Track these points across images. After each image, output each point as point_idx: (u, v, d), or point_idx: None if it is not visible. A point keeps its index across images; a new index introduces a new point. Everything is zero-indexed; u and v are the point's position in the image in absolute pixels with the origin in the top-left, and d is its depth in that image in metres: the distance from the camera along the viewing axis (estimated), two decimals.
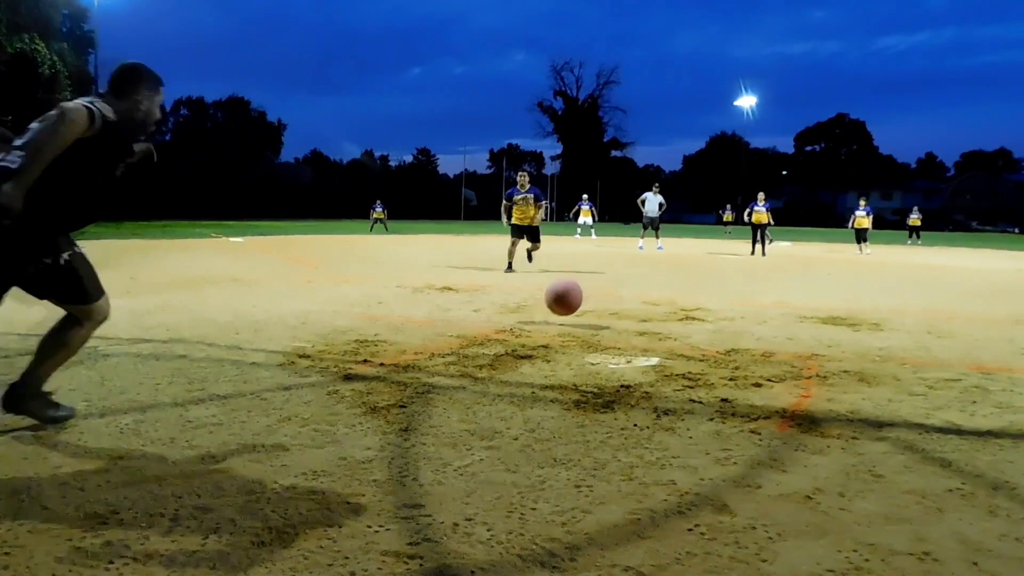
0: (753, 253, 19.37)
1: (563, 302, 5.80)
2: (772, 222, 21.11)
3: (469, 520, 2.27)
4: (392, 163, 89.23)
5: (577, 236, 28.88)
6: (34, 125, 2.73)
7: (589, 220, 29.15)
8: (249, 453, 2.85)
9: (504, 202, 12.15)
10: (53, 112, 2.73)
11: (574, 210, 29.91)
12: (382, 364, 4.49)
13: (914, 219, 31.35)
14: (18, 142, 2.72)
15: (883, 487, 2.65)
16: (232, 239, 21.93)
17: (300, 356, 4.67)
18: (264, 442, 2.98)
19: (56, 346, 3.08)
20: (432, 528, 2.21)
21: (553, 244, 22.18)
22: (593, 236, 29.07)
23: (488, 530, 2.20)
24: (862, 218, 22.49)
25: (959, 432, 3.37)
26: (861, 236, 22.26)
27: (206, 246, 18.18)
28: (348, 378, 4.10)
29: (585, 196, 30.33)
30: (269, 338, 5.30)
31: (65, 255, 2.95)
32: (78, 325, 3.09)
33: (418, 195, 72.82)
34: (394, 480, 2.60)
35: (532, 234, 12.00)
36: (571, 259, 16.33)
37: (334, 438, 3.06)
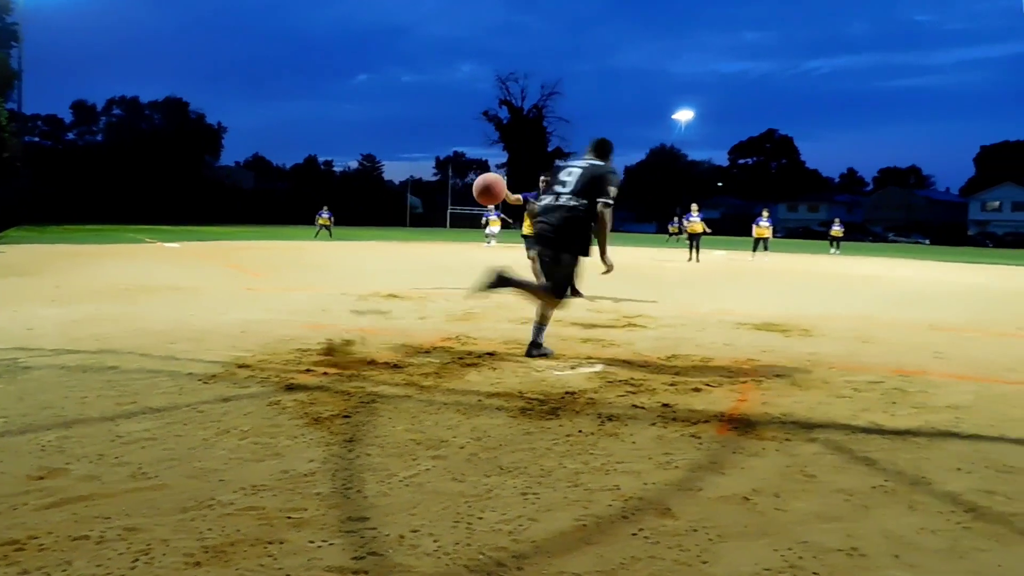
0: (690, 260, 19.99)
1: (489, 192, 6.22)
2: (709, 230, 21.88)
3: (415, 531, 2.26)
4: (337, 169, 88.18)
5: (486, 246, 26.52)
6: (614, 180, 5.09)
7: (495, 230, 27.64)
8: (184, 468, 2.78)
9: (528, 205, 8.85)
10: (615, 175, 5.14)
11: (484, 220, 28.39)
12: (325, 373, 4.43)
13: (836, 230, 32.36)
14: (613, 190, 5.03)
15: (815, 487, 2.76)
16: (168, 245, 21.30)
17: (240, 366, 4.58)
18: (201, 456, 2.91)
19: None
20: (377, 541, 2.20)
21: (499, 253, 22.27)
22: (493, 243, 27.24)
23: (435, 541, 2.20)
24: (764, 228, 23.66)
25: (882, 432, 3.52)
26: (761, 244, 23.57)
27: (140, 252, 17.61)
28: (290, 388, 4.04)
29: (491, 207, 27.71)
30: (207, 348, 5.18)
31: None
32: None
33: (363, 201, 72.11)
34: (338, 493, 2.58)
35: None
36: (516, 268, 16.35)
37: (275, 451, 3.01)
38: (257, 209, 60.66)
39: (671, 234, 42.90)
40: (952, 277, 17.41)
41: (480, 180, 6.23)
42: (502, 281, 5.22)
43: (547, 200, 5.20)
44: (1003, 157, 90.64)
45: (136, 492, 2.52)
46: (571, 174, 5.11)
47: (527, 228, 9.10)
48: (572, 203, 5.01)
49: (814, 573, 2.07)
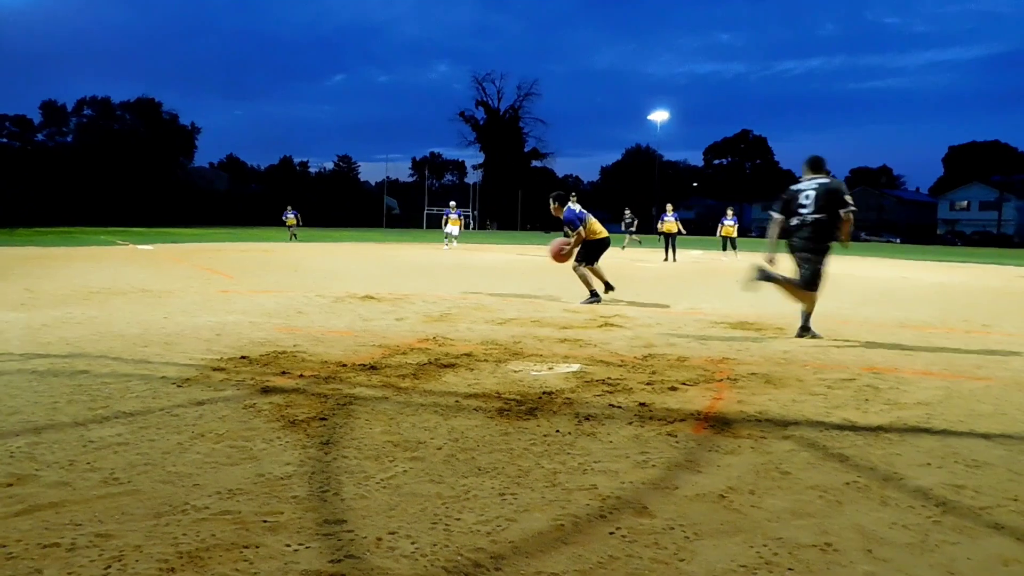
0: (666, 260, 20.11)
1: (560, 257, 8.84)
2: (683, 231, 21.96)
3: (393, 534, 2.26)
4: (312, 170, 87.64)
5: (445, 248, 24.83)
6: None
7: (455, 230, 25.41)
8: (158, 473, 2.75)
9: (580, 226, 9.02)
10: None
11: (444, 219, 26.03)
12: (301, 376, 4.41)
13: None
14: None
15: (789, 484, 2.79)
16: (141, 247, 21.02)
17: (214, 369, 4.54)
18: (175, 461, 2.88)
19: None
20: (355, 544, 2.19)
21: (476, 255, 22.26)
22: (454, 244, 25.47)
23: (412, 543, 2.20)
24: (729, 227, 23.60)
25: (854, 429, 3.57)
26: (729, 243, 23.47)
27: (112, 255, 17.36)
28: (266, 391, 4.01)
29: (453, 204, 26.38)
30: (181, 351, 5.12)
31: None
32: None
33: (339, 202, 71.73)
34: (315, 496, 2.56)
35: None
36: (492, 270, 16.41)
37: (251, 454, 2.98)
38: (231, 211, 60.12)
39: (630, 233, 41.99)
40: (922, 276, 17.70)
41: (553, 252, 8.96)
42: (765, 277, 6.51)
43: (795, 221, 6.44)
44: (970, 157, 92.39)
45: (108, 498, 2.49)
46: (808, 197, 6.35)
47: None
48: (817, 217, 6.29)
49: (788, 569, 2.09)
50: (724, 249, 23.66)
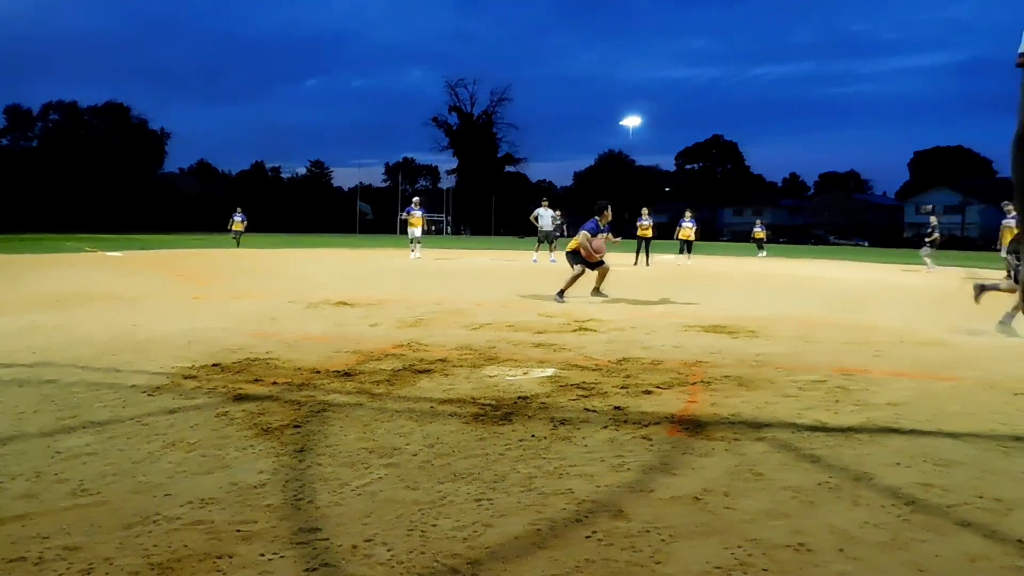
0: (636, 264, 20.17)
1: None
2: (652, 235, 21.81)
3: (369, 541, 2.24)
4: (285, 175, 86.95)
5: (412, 255, 22.04)
6: None
7: (418, 232, 22.62)
8: (129, 483, 2.70)
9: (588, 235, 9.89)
10: None
11: (403, 216, 23.89)
12: (275, 383, 4.36)
13: (758, 232, 32.39)
14: None
15: (763, 485, 2.82)
16: (109, 253, 20.69)
17: (186, 377, 4.47)
18: (146, 471, 2.84)
19: None
20: (330, 552, 2.17)
21: (450, 260, 22.22)
22: (414, 254, 22.17)
23: (388, 550, 2.18)
24: (688, 229, 23.56)
25: (826, 430, 3.62)
26: (686, 246, 23.40)
27: (80, 261, 17.06)
28: (239, 399, 3.96)
29: (416, 200, 23.52)
30: (152, 359, 5.05)
31: None
32: None
33: (312, 208, 71.23)
34: (289, 504, 2.54)
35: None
36: (466, 275, 16.40)
37: (224, 463, 2.95)
38: (202, 216, 59.38)
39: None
40: (890, 278, 18.01)
41: (595, 248, 9.73)
42: (981, 289, 7.48)
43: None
44: (935, 162, 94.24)
45: (77, 509, 2.45)
46: None
47: (572, 246, 10.21)
48: None
49: (763, 569, 2.11)
50: (681, 252, 23.44)
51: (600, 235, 9.94)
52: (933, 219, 22.19)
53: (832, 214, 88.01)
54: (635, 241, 21.37)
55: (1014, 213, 14.11)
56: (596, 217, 10.01)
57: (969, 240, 70.12)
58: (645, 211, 21.71)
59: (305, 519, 2.40)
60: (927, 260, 21.67)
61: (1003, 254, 17.31)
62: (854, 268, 22.78)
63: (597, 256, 9.89)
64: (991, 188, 68.16)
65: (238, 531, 2.29)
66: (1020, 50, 1.44)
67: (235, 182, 78.10)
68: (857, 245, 67.55)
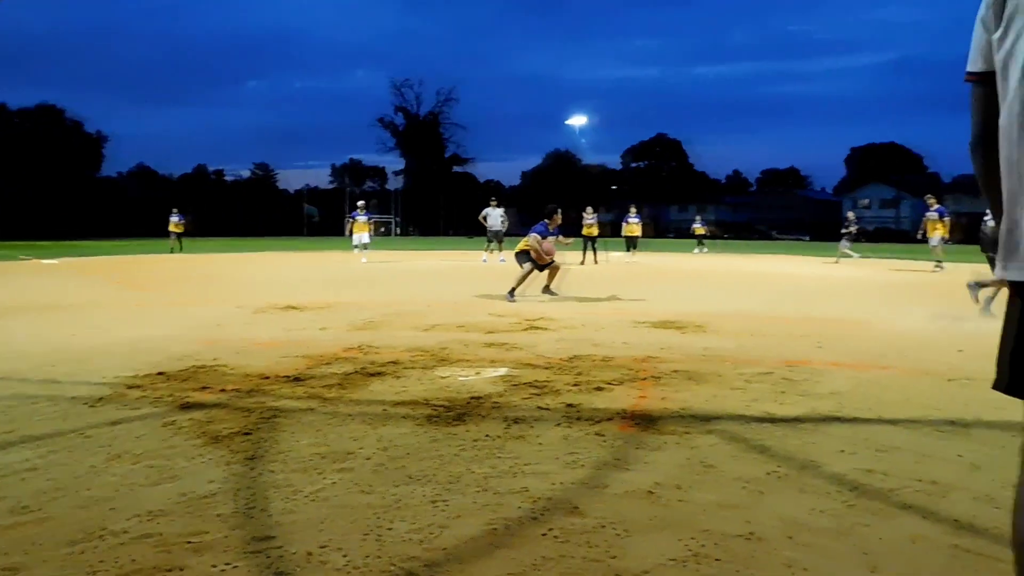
0: (583, 263, 20.16)
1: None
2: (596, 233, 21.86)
3: (324, 547, 2.22)
4: (228, 178, 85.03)
5: (362, 259, 20.42)
6: None
7: (365, 237, 20.87)
8: (72, 499, 2.61)
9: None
10: None
11: (348, 225, 21.78)
12: (223, 390, 4.27)
13: (698, 228, 32.66)
14: None
15: (714, 476, 2.88)
16: (45, 261, 19.92)
17: (130, 387, 4.35)
18: (89, 485, 2.75)
19: None
20: (284, 560, 2.14)
21: (399, 262, 22.06)
22: (362, 258, 20.40)
23: (344, 556, 2.16)
24: (633, 226, 23.78)
25: (773, 420, 3.72)
26: (631, 243, 23.58)
27: (14, 270, 16.39)
28: (186, 407, 3.87)
29: (361, 204, 22.13)
30: (93, 369, 4.89)
31: None
32: None
33: (257, 211, 69.80)
34: (241, 513, 2.49)
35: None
36: (415, 276, 16.31)
37: (172, 473, 2.88)
38: (143, 221, 57.62)
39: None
40: (830, 271, 18.55)
41: (545, 250, 9.93)
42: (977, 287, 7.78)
43: None
44: (870, 159, 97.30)
45: (16, 528, 2.36)
46: None
47: (521, 247, 10.34)
48: None
49: (716, 559, 2.16)
50: (628, 249, 23.56)
51: (550, 237, 10.15)
52: (851, 214, 23.43)
53: (774, 210, 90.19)
54: (581, 240, 21.43)
55: (937, 206, 14.66)
56: (546, 220, 10.23)
57: (903, 233, 72.63)
58: (589, 209, 21.73)
59: (258, 528, 2.36)
60: (849, 251, 22.69)
61: (931, 244, 18.08)
62: (796, 262, 23.40)
63: (547, 258, 10.07)
64: (923, 183, 70.51)
65: (189, 543, 2.24)
66: (968, 68, 1.53)
67: (177, 185, 76.06)
68: (798, 240, 69.33)
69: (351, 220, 21.24)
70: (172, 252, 25.32)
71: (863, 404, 4.08)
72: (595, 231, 21.40)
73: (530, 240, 10.08)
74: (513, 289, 9.80)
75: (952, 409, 3.98)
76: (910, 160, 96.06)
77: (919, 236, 19.36)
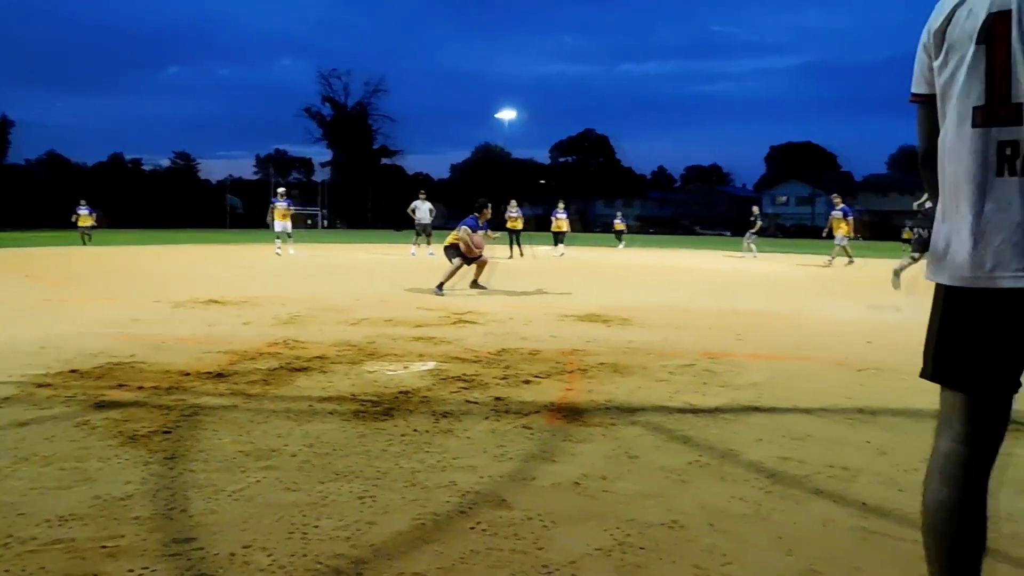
0: (511, 257, 20.15)
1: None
2: (519, 227, 21.87)
3: (247, 548, 2.17)
4: (146, 167, 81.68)
5: (277, 251, 19.74)
6: None
7: (287, 225, 20.25)
8: None
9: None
10: None
11: (269, 213, 20.60)
12: (141, 388, 4.12)
13: (618, 224, 32.80)
14: None
15: (638, 467, 2.95)
16: None
17: (39, 386, 4.14)
18: None
19: None
20: (206, 562, 2.09)
21: (325, 254, 21.68)
22: (289, 249, 20.14)
23: (268, 555, 2.13)
24: (561, 221, 23.92)
25: (695, 411, 3.83)
26: (559, 238, 23.67)
27: None
28: (100, 406, 3.71)
29: (282, 191, 21.19)
30: None
31: None
32: None
33: (177, 202, 67.28)
34: (160, 515, 2.41)
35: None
36: (342, 270, 16.08)
37: (85, 476, 2.76)
38: (53, 211, 54.80)
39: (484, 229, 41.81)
40: (749, 266, 19.18)
41: (475, 244, 9.95)
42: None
43: None
44: (788, 157, 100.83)
45: None
46: None
47: (450, 241, 10.32)
48: None
49: (640, 548, 2.21)
50: (555, 244, 23.51)
51: (480, 231, 10.24)
52: (756, 208, 24.33)
53: (697, 206, 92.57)
54: (507, 234, 21.32)
55: (842, 205, 15.50)
56: (476, 214, 10.31)
57: (818, 229, 75.63)
58: (513, 203, 21.65)
59: (178, 530, 2.30)
60: (751, 247, 23.60)
61: (836, 242, 18.94)
62: (717, 257, 24.09)
63: (477, 252, 10.13)
64: (838, 181, 73.57)
65: (103, 548, 2.16)
66: (912, 89, 1.69)
67: (91, 174, 72.58)
68: (720, 235, 71.32)
69: (271, 207, 20.47)
70: (85, 244, 24.10)
71: (780, 394, 4.25)
72: (519, 225, 21.39)
73: (460, 233, 10.10)
74: (442, 283, 9.79)
75: (861, 398, 4.19)
76: (825, 159, 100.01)
77: (824, 234, 20.31)
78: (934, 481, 1.61)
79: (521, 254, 20.69)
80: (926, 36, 1.61)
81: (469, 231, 10.08)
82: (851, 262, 18.63)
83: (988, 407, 1.56)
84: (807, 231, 70.05)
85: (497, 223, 17.63)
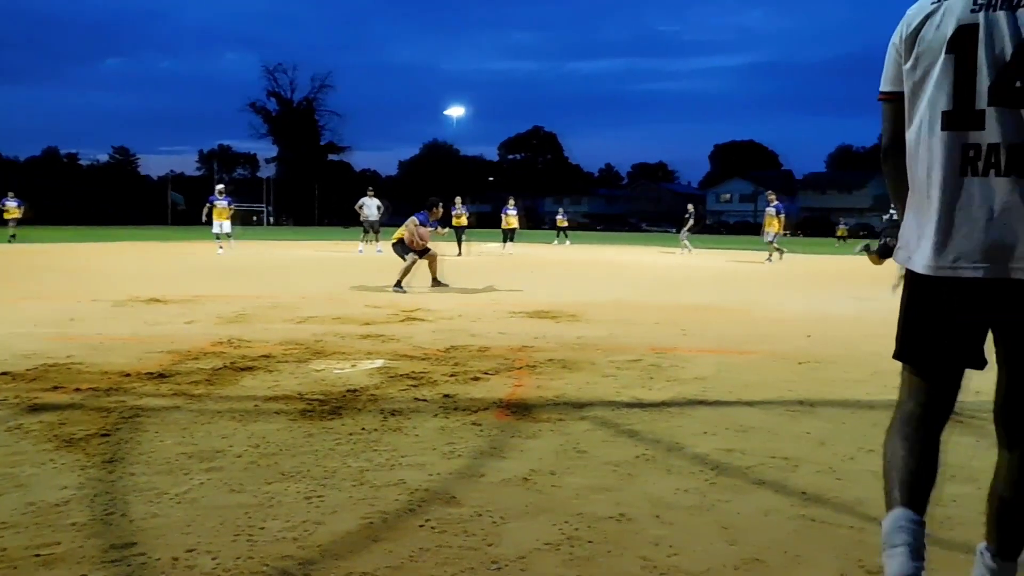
0: (459, 254, 19.89)
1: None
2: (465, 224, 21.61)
3: (191, 551, 2.13)
4: (83, 162, 78.96)
5: (220, 251, 18.70)
6: None
7: (227, 225, 19.41)
8: None
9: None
10: None
11: (205, 210, 19.85)
12: (78, 389, 3.99)
13: (560, 220, 33.11)
14: None
15: (586, 461, 2.98)
16: None
17: None
18: None
19: None
20: (147, 567, 2.03)
21: (271, 251, 21.30)
22: (231, 244, 19.59)
23: (213, 559, 2.08)
24: (511, 218, 23.95)
25: (642, 405, 3.89)
26: (509, 235, 23.71)
27: None
28: (34, 409, 3.58)
29: (220, 188, 20.53)
30: None
31: None
32: None
33: (116, 198, 65.22)
34: (98, 520, 2.34)
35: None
36: (288, 267, 15.83)
37: (17, 481, 2.66)
38: None
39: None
40: (694, 262, 19.53)
41: (420, 235, 9.89)
42: None
43: None
44: (732, 155, 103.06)
45: None
46: None
47: (397, 236, 10.24)
48: None
49: (588, 542, 2.24)
50: (504, 241, 23.41)
51: (429, 229, 10.24)
52: (690, 206, 25.12)
53: (644, 203, 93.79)
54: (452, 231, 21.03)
55: (776, 203, 16.18)
56: (426, 211, 10.32)
57: (756, 226, 77.53)
58: (458, 200, 21.33)
59: (118, 535, 2.23)
60: (686, 243, 24.31)
61: (765, 239, 19.43)
62: (663, 253, 24.45)
63: (421, 244, 10.08)
64: (779, 179, 75.47)
65: (37, 555, 2.08)
66: (881, 88, 1.81)
67: (23, 168, 69.86)
68: (666, 231, 72.41)
69: (209, 205, 19.59)
70: (11, 242, 23.01)
71: (724, 387, 4.34)
72: (464, 222, 21.15)
73: (408, 223, 10.09)
74: (400, 281, 9.74)
75: (802, 390, 4.31)
76: (767, 157, 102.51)
77: (761, 233, 20.87)
78: (894, 435, 1.79)
79: (459, 253, 20.29)
80: (897, 39, 1.74)
81: (417, 222, 10.06)
82: (781, 256, 19.20)
83: (945, 384, 1.74)
84: (750, 228, 71.67)
85: (447, 222, 17.52)
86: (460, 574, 2.02)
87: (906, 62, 1.71)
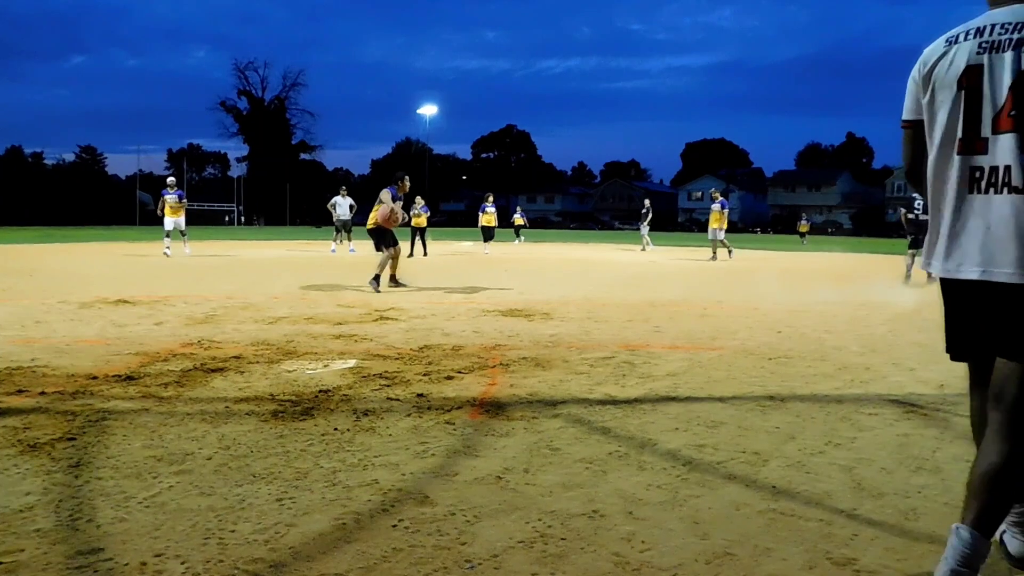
0: (411, 255, 18.41)
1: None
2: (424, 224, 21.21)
3: (159, 556, 2.10)
4: (48, 161, 77.39)
5: (166, 251, 17.28)
6: None
7: (181, 222, 18.10)
8: None
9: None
10: None
11: (159, 205, 18.33)
12: (43, 393, 3.91)
13: (517, 219, 32.84)
14: None
15: (559, 459, 2.99)
16: None
17: None
18: None
19: None
20: (115, 573, 2.00)
21: (242, 251, 21.07)
22: (185, 249, 18.13)
23: (183, 563, 2.06)
24: (490, 216, 23.63)
25: (614, 402, 3.91)
26: (488, 234, 23.42)
27: None
28: None
29: (171, 180, 18.75)
30: None
31: None
32: None
33: (82, 198, 63.98)
34: (64, 526, 2.30)
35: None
36: (259, 267, 15.66)
37: None
38: None
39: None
40: (666, 259, 19.69)
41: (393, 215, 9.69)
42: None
43: None
44: (703, 153, 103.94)
45: None
46: None
47: (372, 221, 9.97)
48: None
49: (561, 539, 2.25)
50: (485, 240, 23.01)
51: (397, 203, 10.04)
52: (647, 202, 26.13)
53: (616, 201, 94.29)
54: (409, 231, 20.09)
55: (720, 199, 17.03)
56: (394, 185, 10.14)
57: (730, 223, 78.25)
58: (419, 200, 20.41)
59: (84, 540, 2.20)
60: (646, 238, 25.09)
61: (710, 236, 19.62)
62: (635, 251, 24.61)
63: (395, 220, 9.84)
64: (749, 176, 76.30)
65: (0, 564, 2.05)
66: (904, 116, 2.11)
67: None
68: (637, 229, 73.00)
69: (161, 200, 18.05)
70: None
71: (695, 384, 4.38)
72: (423, 222, 20.47)
73: (383, 195, 9.88)
74: (377, 276, 9.66)
75: (771, 385, 4.37)
76: (738, 155, 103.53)
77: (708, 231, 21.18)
78: (975, 427, 2.10)
79: (425, 253, 19.57)
80: (916, 74, 2.04)
81: (391, 195, 9.87)
82: (730, 254, 19.53)
83: (986, 371, 1.98)
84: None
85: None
86: (433, 574, 2.02)
87: (924, 95, 2.01)
